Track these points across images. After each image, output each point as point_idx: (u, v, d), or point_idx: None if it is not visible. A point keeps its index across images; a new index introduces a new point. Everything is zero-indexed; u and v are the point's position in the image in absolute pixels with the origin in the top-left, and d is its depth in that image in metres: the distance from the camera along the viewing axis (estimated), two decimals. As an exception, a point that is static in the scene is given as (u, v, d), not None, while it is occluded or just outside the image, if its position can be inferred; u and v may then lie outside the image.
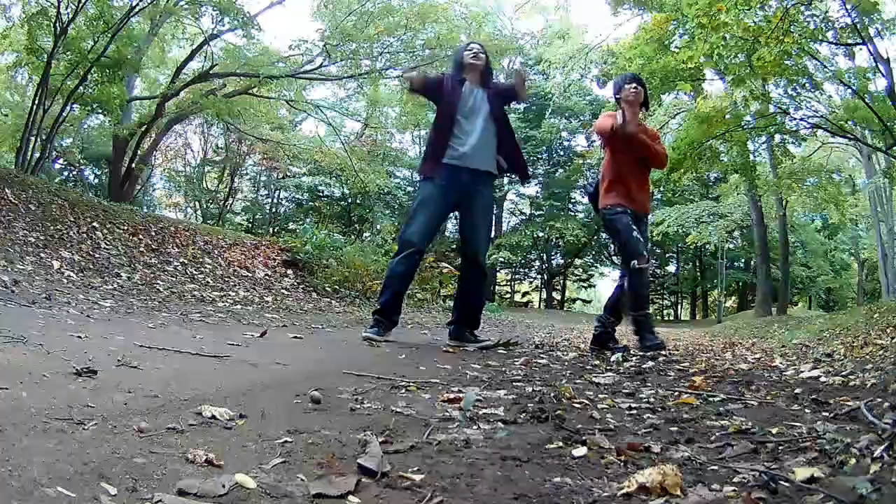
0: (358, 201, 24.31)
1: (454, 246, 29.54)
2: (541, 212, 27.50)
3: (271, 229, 24.28)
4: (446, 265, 11.79)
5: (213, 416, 1.19)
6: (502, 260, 26.83)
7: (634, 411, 1.55)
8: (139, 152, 12.85)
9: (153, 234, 6.73)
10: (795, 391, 1.89)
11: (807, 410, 1.55)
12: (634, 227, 3.47)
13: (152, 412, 1.19)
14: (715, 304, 28.44)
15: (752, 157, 13.97)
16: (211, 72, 11.54)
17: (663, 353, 3.33)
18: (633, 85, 3.62)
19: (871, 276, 25.78)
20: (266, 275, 7.05)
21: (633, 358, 3.15)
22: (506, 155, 3.57)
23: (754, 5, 6.40)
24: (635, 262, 3.38)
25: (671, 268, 32.94)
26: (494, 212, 3.75)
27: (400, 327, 5.19)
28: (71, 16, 8.18)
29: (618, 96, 3.68)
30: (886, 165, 13.11)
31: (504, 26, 20.89)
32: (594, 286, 32.62)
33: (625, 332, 4.26)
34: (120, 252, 5.64)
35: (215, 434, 1.10)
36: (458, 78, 3.59)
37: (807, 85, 9.64)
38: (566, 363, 2.84)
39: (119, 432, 1.02)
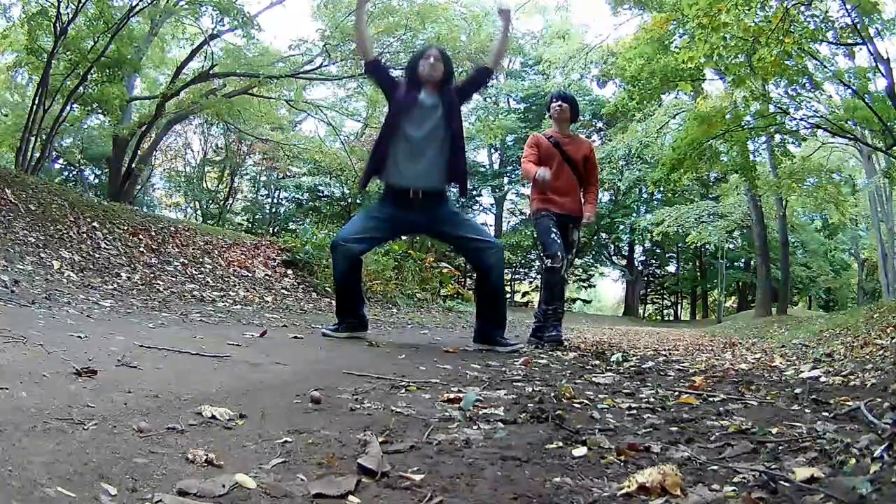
0: (358, 201, 24.31)
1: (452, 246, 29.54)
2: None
3: (271, 229, 24.29)
4: (446, 265, 11.81)
5: (213, 416, 1.19)
6: (502, 260, 26.77)
7: (634, 411, 1.55)
8: (139, 152, 12.86)
9: (153, 234, 6.73)
10: (795, 391, 1.89)
11: (807, 410, 1.55)
12: (554, 230, 3.79)
13: (152, 412, 1.19)
14: (715, 304, 28.45)
15: (752, 157, 13.98)
16: (211, 72, 11.54)
17: (559, 347, 3.61)
18: (558, 102, 3.98)
19: (871, 276, 25.77)
20: (266, 275, 7.05)
21: (633, 358, 3.15)
22: (448, 164, 3.28)
23: (754, 5, 6.40)
24: (548, 260, 3.76)
25: (671, 268, 32.94)
26: (465, 216, 3.71)
27: (400, 327, 5.21)
28: (71, 16, 8.18)
29: (548, 113, 4.12)
30: (886, 165, 13.11)
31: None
32: (594, 286, 32.63)
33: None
34: (120, 252, 5.64)
35: (215, 434, 1.10)
36: (414, 83, 3.29)
37: (807, 85, 9.66)
38: (566, 363, 2.84)
39: (119, 432, 1.02)
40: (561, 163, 3.89)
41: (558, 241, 3.78)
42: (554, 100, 4.05)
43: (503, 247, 3.51)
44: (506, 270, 33.75)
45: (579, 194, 4.02)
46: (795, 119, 10.25)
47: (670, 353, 4.15)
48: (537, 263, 29.59)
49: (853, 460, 1.00)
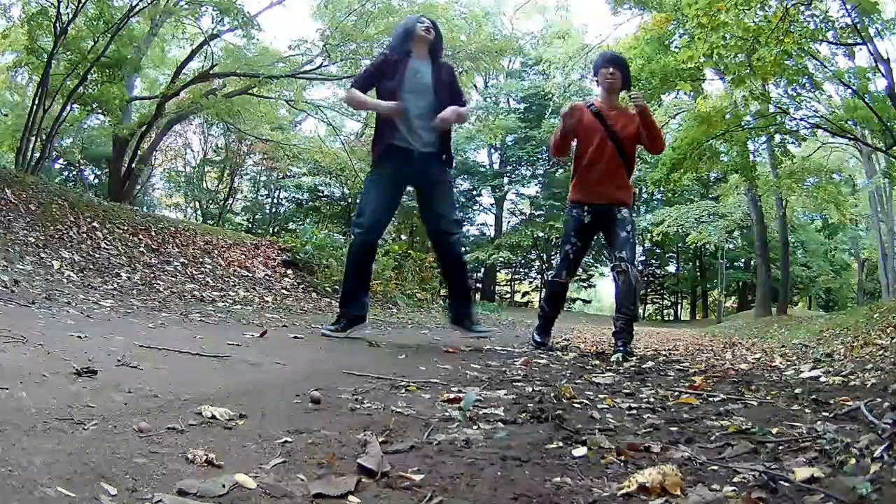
0: (358, 201, 24.30)
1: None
2: (541, 212, 27.52)
3: (271, 229, 24.28)
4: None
5: (213, 416, 1.19)
6: (502, 260, 26.83)
7: (634, 411, 1.55)
8: (139, 152, 12.85)
9: (153, 234, 6.73)
10: (795, 391, 1.89)
11: (807, 410, 1.55)
12: (573, 241, 3.45)
13: (152, 412, 1.19)
14: (715, 304, 28.46)
15: (752, 157, 13.98)
16: (211, 72, 11.54)
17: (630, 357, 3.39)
18: (609, 69, 3.39)
19: (871, 276, 25.78)
20: (266, 275, 7.05)
21: (633, 358, 3.15)
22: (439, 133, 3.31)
23: (754, 5, 6.40)
24: (551, 271, 3.57)
25: (671, 268, 32.95)
26: (451, 185, 3.75)
27: (400, 327, 5.21)
28: (71, 16, 8.18)
29: (595, 78, 3.53)
30: (886, 165, 13.12)
31: (504, 26, 20.88)
32: (594, 286, 32.62)
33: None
34: (120, 252, 5.64)
35: (215, 434, 1.10)
36: (403, 50, 3.32)
37: (807, 85, 9.65)
38: (566, 363, 2.84)
39: (119, 432, 1.02)
40: (604, 139, 3.32)
41: (572, 256, 3.47)
42: (605, 65, 3.41)
43: (464, 234, 3.58)
44: (506, 271, 33.73)
45: (626, 178, 3.44)
46: (795, 119, 10.25)
47: (670, 353, 4.15)
48: (537, 263, 29.61)
49: (853, 460, 1.00)
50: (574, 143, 3.50)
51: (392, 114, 3.19)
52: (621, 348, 3.21)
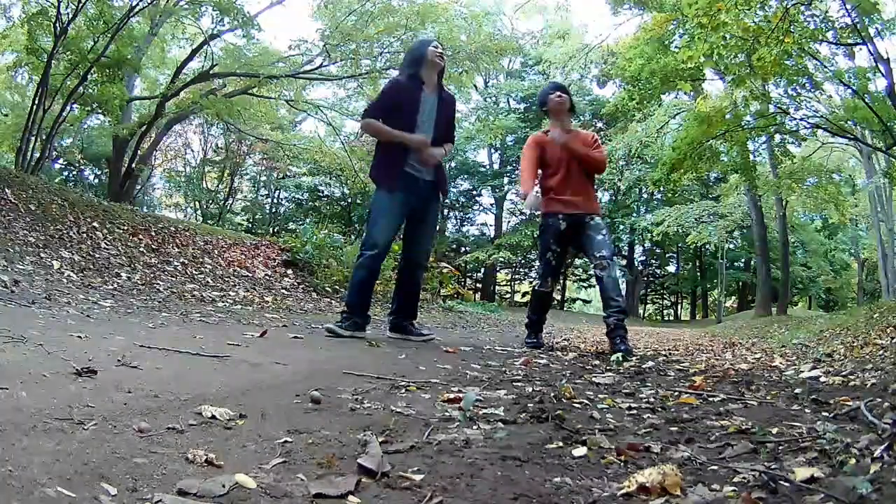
0: (358, 201, 24.32)
1: (454, 245, 29.65)
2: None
3: (271, 229, 24.30)
4: (446, 265, 11.81)
5: (213, 416, 1.19)
6: (502, 260, 26.84)
7: (634, 411, 1.55)
8: (139, 152, 12.87)
9: (153, 234, 6.73)
10: (795, 391, 1.89)
11: (807, 410, 1.55)
12: (553, 248, 3.69)
13: (152, 412, 1.19)
14: (715, 304, 28.47)
15: (752, 157, 13.98)
16: (211, 72, 11.55)
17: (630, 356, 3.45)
18: (557, 93, 3.74)
19: (871, 276, 25.80)
20: (266, 275, 7.05)
21: (633, 358, 3.15)
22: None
23: (754, 5, 6.40)
24: (537, 280, 3.82)
25: (671, 268, 32.95)
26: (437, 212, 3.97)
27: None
28: (71, 16, 8.18)
29: (544, 108, 3.82)
30: (886, 165, 13.12)
31: (504, 26, 20.89)
32: (594, 286, 32.61)
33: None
34: (120, 252, 5.63)
35: (215, 434, 1.10)
36: (415, 79, 3.43)
37: (807, 85, 9.65)
38: (566, 363, 2.84)
39: (119, 432, 1.02)
40: (569, 161, 3.66)
41: (553, 262, 3.71)
42: (551, 91, 3.77)
43: (427, 267, 3.73)
44: (506, 271, 33.64)
45: (593, 191, 3.83)
46: (795, 119, 10.25)
47: (670, 353, 4.15)
48: (536, 263, 29.59)
49: (853, 460, 1.00)
50: (540, 171, 3.80)
51: (419, 146, 3.38)
52: (621, 347, 3.28)
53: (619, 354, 3.08)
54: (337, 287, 7.49)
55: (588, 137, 3.82)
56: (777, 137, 12.43)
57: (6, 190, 5.59)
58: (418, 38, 4.28)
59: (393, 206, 3.42)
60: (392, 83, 3.60)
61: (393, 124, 3.40)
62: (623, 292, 3.75)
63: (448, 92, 3.70)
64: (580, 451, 1.11)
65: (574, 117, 4.04)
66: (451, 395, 1.62)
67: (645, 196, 26.81)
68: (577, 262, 30.14)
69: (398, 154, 3.40)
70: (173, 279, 5.41)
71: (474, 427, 1.30)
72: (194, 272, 6.00)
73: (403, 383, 1.83)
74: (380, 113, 3.48)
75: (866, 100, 9.04)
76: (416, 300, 3.67)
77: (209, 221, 20.65)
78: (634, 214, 26.99)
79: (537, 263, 3.86)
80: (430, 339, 3.57)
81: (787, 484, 0.90)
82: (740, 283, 29.09)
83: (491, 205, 30.64)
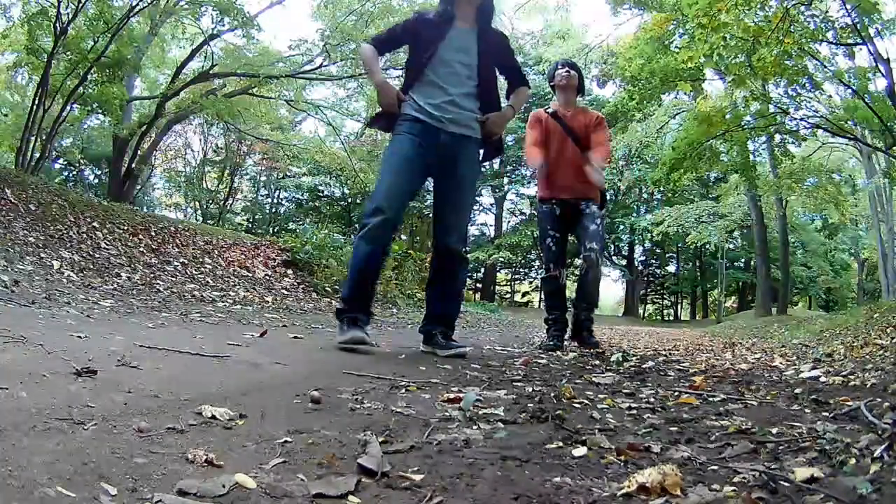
0: (358, 201, 24.33)
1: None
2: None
3: (271, 229, 24.31)
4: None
5: (213, 416, 1.19)
6: (502, 260, 26.85)
7: (634, 411, 1.55)
8: (139, 152, 12.87)
9: (153, 234, 6.73)
10: (795, 391, 1.89)
11: (807, 410, 1.55)
12: (551, 233, 3.55)
13: (152, 412, 1.19)
14: (715, 304, 28.49)
15: (752, 157, 13.99)
16: (211, 72, 11.56)
17: (598, 349, 3.49)
18: (565, 69, 3.57)
19: (871, 276, 25.79)
20: (266, 275, 7.05)
21: (633, 358, 3.15)
22: (480, 108, 2.80)
23: (754, 5, 6.41)
24: (542, 269, 3.65)
25: (671, 268, 32.98)
26: (477, 191, 3.02)
27: (400, 327, 5.20)
28: (71, 16, 8.19)
29: (552, 83, 3.67)
30: (886, 165, 13.12)
31: (504, 26, 20.88)
32: (599, 291, 32.66)
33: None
34: (120, 252, 5.63)
35: (215, 434, 1.10)
36: (446, 14, 2.75)
37: (807, 85, 9.65)
38: (566, 363, 2.84)
39: (119, 432, 1.02)
40: (564, 139, 3.49)
41: (554, 247, 3.56)
42: (560, 67, 3.62)
43: (466, 259, 2.93)
44: (506, 271, 33.65)
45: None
46: (795, 119, 10.26)
47: (670, 353, 4.15)
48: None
49: (853, 460, 1.00)
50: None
51: (378, 89, 2.76)
52: (591, 338, 3.38)
53: (620, 355, 3.09)
54: (337, 287, 7.49)
55: (591, 118, 3.61)
56: (777, 137, 12.44)
57: (6, 190, 5.59)
58: None
59: (407, 156, 2.64)
60: (416, 14, 2.93)
61: (411, 58, 2.82)
62: (599, 286, 3.69)
63: (497, 30, 2.96)
64: (580, 451, 1.11)
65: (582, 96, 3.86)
66: (451, 395, 1.62)
67: (645, 196, 26.83)
68: (577, 261, 30.20)
69: (411, 87, 2.72)
70: (173, 279, 5.41)
71: (474, 427, 1.30)
72: (194, 272, 6.00)
73: (403, 383, 1.83)
74: (386, 43, 2.91)
75: (866, 100, 9.05)
76: (451, 303, 2.87)
77: (209, 221, 20.66)
78: (634, 214, 27.02)
79: (541, 253, 3.73)
80: (459, 355, 2.70)
81: (787, 484, 0.90)
82: (740, 283, 29.11)
83: (491, 205, 30.66)
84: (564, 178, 3.50)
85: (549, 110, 3.60)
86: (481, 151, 2.89)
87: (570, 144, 3.49)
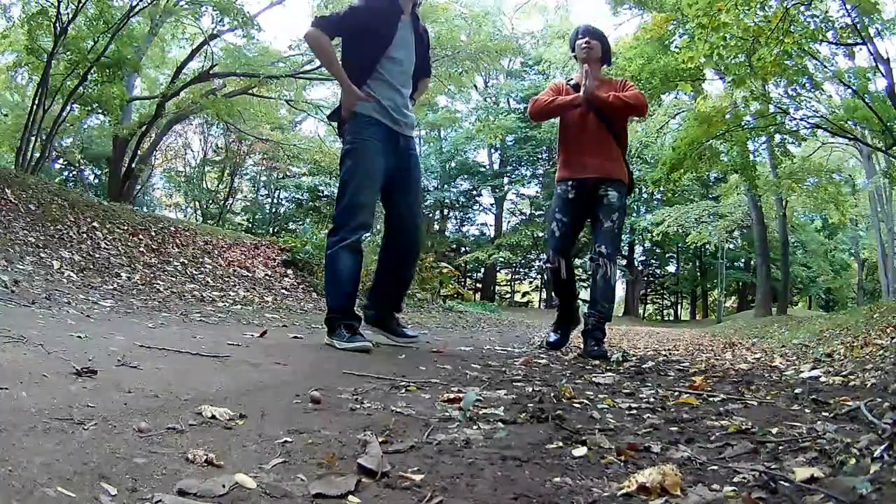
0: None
1: (454, 245, 29.66)
2: (541, 212, 27.60)
3: (271, 229, 24.31)
4: (446, 265, 11.81)
5: (213, 416, 1.19)
6: (502, 260, 26.84)
7: (634, 411, 1.55)
8: (139, 152, 12.87)
9: (153, 234, 6.73)
10: (795, 391, 1.89)
11: (807, 410, 1.55)
12: (558, 217, 3.16)
13: (152, 412, 1.19)
14: (715, 304, 28.48)
15: (752, 157, 14.00)
16: (211, 72, 11.55)
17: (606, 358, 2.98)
18: (585, 39, 3.17)
19: (871, 276, 25.80)
20: (266, 275, 7.05)
21: (633, 358, 3.15)
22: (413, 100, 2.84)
23: (754, 5, 6.41)
24: (544, 258, 3.26)
25: (671, 268, 32.97)
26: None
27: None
28: (71, 16, 8.19)
29: (573, 54, 3.32)
30: (886, 165, 13.12)
31: (504, 26, 20.91)
32: (615, 293, 32.69)
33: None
34: (120, 252, 5.63)
35: (215, 434, 1.10)
36: (395, 6, 2.69)
37: (807, 85, 9.66)
38: (566, 363, 2.84)
39: (119, 432, 1.02)
40: (585, 112, 3.10)
41: (557, 233, 3.19)
42: (580, 36, 3.20)
43: (421, 240, 3.00)
44: (506, 271, 33.64)
45: (614, 151, 3.16)
46: (795, 119, 10.26)
47: (670, 353, 4.15)
48: (537, 263, 29.50)
49: (853, 460, 1.00)
50: (558, 122, 3.33)
51: (350, 97, 2.64)
52: (595, 348, 3.00)
53: (620, 355, 3.08)
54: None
55: (617, 84, 3.25)
56: (777, 137, 12.45)
57: (6, 190, 5.59)
58: None
59: (376, 171, 2.64)
60: (367, 1, 2.74)
61: (359, 52, 2.67)
62: (615, 293, 3.28)
63: (423, 24, 2.97)
64: (580, 451, 1.11)
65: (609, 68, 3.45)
66: (451, 395, 1.62)
67: (645, 196, 26.81)
68: (577, 261, 30.21)
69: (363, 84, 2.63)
70: (173, 279, 5.40)
71: (474, 427, 1.30)
72: (194, 272, 6.00)
73: (403, 383, 1.83)
74: (336, 28, 2.67)
75: (866, 100, 9.05)
76: (404, 290, 3.02)
77: (209, 221, 20.65)
78: (634, 214, 27.01)
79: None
80: (416, 343, 2.96)
81: (787, 484, 0.90)
82: (740, 283, 29.12)
83: (491, 205, 30.66)
84: (583, 155, 3.11)
85: (572, 82, 3.25)
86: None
87: (593, 118, 3.10)
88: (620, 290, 33.93)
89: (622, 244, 30.24)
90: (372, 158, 2.62)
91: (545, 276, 4.04)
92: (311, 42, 2.75)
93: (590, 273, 3.16)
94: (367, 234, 2.64)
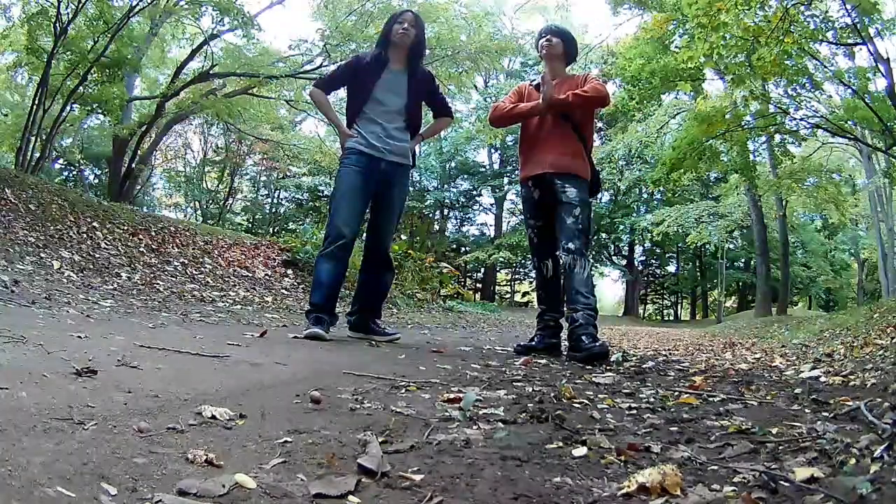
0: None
1: (454, 245, 29.66)
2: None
3: (271, 229, 24.31)
4: (446, 265, 11.81)
5: (213, 416, 1.19)
6: (502, 260, 26.84)
7: (634, 411, 1.55)
8: (139, 152, 12.87)
9: (153, 234, 6.73)
10: (795, 391, 1.89)
11: (807, 410, 1.55)
12: (530, 223, 3.19)
13: (152, 412, 1.19)
14: (715, 304, 28.48)
15: (752, 157, 14.00)
16: (211, 72, 11.55)
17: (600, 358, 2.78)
18: (546, 38, 3.22)
19: (871, 276, 25.80)
20: (266, 275, 7.05)
21: (633, 358, 3.15)
22: (409, 137, 3.30)
23: (754, 5, 6.41)
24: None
25: (671, 268, 32.97)
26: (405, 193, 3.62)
27: (399, 327, 5.21)
28: (71, 16, 8.19)
29: (538, 53, 3.34)
30: (886, 165, 13.13)
31: (504, 26, 20.92)
32: (594, 286, 32.66)
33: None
34: (120, 252, 5.64)
35: (215, 434, 1.10)
36: (380, 58, 3.21)
37: (807, 85, 9.67)
38: (566, 363, 2.84)
39: (119, 432, 1.02)
40: (544, 109, 3.09)
41: (535, 238, 3.23)
42: (542, 35, 3.26)
43: (391, 261, 3.44)
44: (506, 271, 33.67)
45: (574, 146, 3.11)
46: (795, 119, 10.27)
47: (670, 353, 4.15)
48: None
49: (853, 460, 1.00)
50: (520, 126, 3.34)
51: (343, 140, 3.24)
52: (594, 345, 2.77)
53: (620, 355, 3.08)
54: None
55: (578, 80, 3.18)
56: (777, 137, 12.45)
57: (6, 190, 5.59)
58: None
59: (357, 186, 3.14)
60: (354, 58, 3.43)
61: (351, 98, 3.26)
62: (594, 286, 3.11)
63: (424, 69, 3.41)
64: (580, 451, 1.11)
65: (573, 63, 3.47)
66: (451, 395, 1.62)
67: (645, 196, 26.83)
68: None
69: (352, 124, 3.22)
70: (173, 279, 5.41)
71: (474, 427, 1.30)
72: (194, 272, 6.00)
73: (403, 383, 1.83)
74: (330, 85, 3.43)
75: (866, 100, 9.06)
76: (381, 300, 3.43)
77: (209, 221, 20.66)
78: (634, 214, 27.02)
79: None
80: (395, 339, 3.28)
81: (787, 484, 0.90)
82: (740, 283, 29.12)
83: (491, 205, 30.66)
84: (541, 152, 3.11)
85: (535, 82, 3.26)
86: (412, 174, 3.61)
87: (551, 116, 3.11)
88: (620, 290, 33.96)
89: (623, 245, 30.31)
90: (350, 182, 3.16)
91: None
92: (312, 98, 3.64)
93: (562, 272, 3.04)
94: (340, 242, 3.09)
